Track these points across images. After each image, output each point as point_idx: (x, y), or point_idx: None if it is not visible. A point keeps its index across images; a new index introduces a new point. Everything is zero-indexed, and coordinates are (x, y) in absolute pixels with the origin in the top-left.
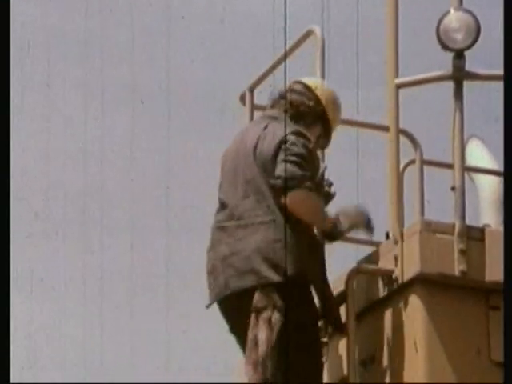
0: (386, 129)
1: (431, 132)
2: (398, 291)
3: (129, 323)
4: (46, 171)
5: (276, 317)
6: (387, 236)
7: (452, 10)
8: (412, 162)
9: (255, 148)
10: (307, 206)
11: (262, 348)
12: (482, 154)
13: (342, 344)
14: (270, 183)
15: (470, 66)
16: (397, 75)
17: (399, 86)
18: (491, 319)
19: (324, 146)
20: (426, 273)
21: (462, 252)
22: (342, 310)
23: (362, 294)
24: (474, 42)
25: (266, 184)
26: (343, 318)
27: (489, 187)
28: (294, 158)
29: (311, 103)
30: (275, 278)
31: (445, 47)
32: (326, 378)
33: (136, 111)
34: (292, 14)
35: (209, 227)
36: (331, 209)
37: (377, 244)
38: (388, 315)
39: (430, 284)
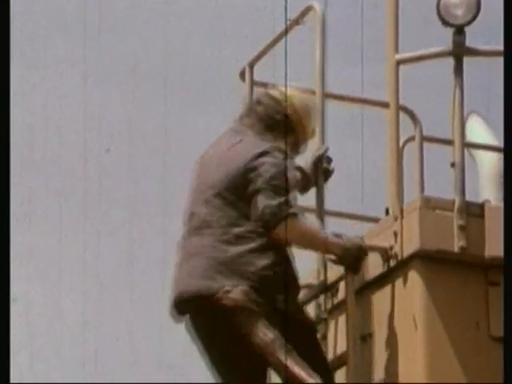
0: (385, 105)
1: (431, 108)
2: (398, 267)
3: (127, 302)
4: (44, 148)
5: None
6: (387, 212)
7: None
8: (412, 138)
9: (226, 163)
10: (297, 233)
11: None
12: (482, 130)
13: (342, 320)
14: (253, 219)
15: (470, 41)
16: (397, 51)
17: (399, 62)
18: (490, 295)
19: (298, 153)
20: (425, 249)
21: (462, 228)
22: (342, 286)
23: (361, 271)
24: (474, 17)
25: (234, 197)
26: (343, 294)
27: (488, 163)
28: (267, 187)
29: (278, 117)
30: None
31: (445, 23)
32: (326, 355)
33: (134, 87)
34: None
35: None
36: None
37: (376, 220)
38: (387, 291)
39: (429, 260)
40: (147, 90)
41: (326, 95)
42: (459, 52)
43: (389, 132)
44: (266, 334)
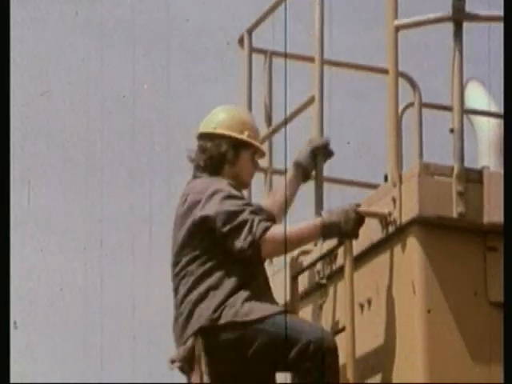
0: (384, 71)
1: (430, 75)
2: (396, 233)
3: (129, 265)
4: (45, 113)
5: None
6: (386, 178)
7: None
8: (411, 104)
9: (182, 221)
10: (280, 242)
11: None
12: (481, 96)
13: (340, 287)
14: (237, 256)
15: (470, 7)
16: (396, 17)
17: (398, 28)
18: (488, 260)
19: (263, 156)
20: (424, 215)
21: (460, 194)
22: (340, 252)
23: (360, 237)
24: None
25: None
26: (342, 260)
27: (487, 129)
28: (227, 232)
29: (216, 150)
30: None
31: None
32: (323, 322)
33: (135, 53)
34: None
35: None
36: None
37: (375, 186)
38: (386, 257)
39: (428, 226)
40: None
41: (325, 62)
42: (459, 17)
43: (388, 98)
44: None
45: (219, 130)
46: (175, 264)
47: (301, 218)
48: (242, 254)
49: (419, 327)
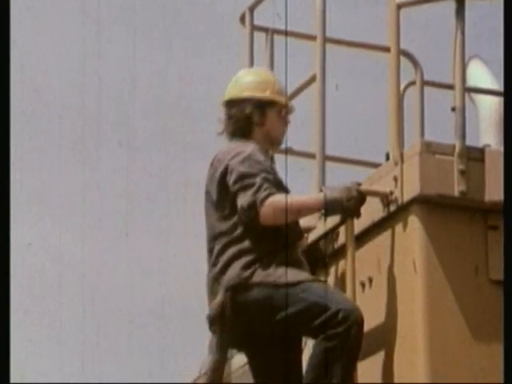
0: (386, 49)
1: (432, 53)
2: (398, 212)
3: (125, 241)
4: (44, 89)
5: None
6: (387, 157)
7: None
8: (412, 83)
9: (213, 174)
10: (280, 210)
11: None
12: (483, 75)
13: (341, 265)
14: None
15: None
16: None
17: (400, 6)
18: (489, 239)
19: (291, 111)
20: (425, 193)
21: (462, 172)
22: (342, 230)
23: (361, 215)
24: None
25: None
26: (343, 239)
27: (489, 107)
28: (238, 189)
29: (242, 114)
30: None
31: None
32: None
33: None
34: None
35: (207, 145)
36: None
37: (377, 165)
38: (387, 236)
39: (429, 205)
40: (148, 33)
41: (327, 40)
42: None
43: (389, 77)
44: None
45: (242, 94)
46: (209, 228)
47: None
48: (241, 214)
49: (420, 305)
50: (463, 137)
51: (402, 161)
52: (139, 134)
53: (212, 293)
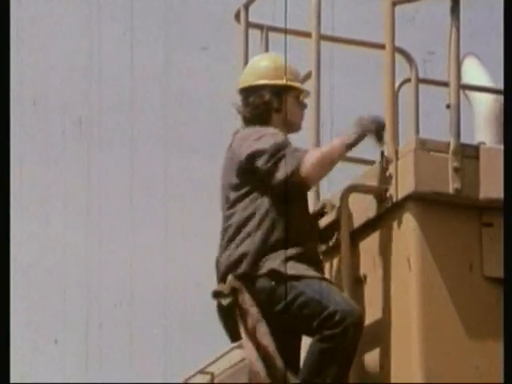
0: (381, 47)
1: (427, 50)
2: (392, 209)
3: (128, 233)
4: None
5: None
6: (382, 155)
7: None
8: (407, 80)
9: (229, 157)
10: (318, 165)
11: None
12: (478, 72)
13: (336, 262)
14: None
15: None
16: None
17: (395, 3)
18: (484, 236)
19: (307, 95)
20: (420, 191)
21: (457, 170)
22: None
23: (356, 213)
24: None
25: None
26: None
27: (484, 105)
28: (274, 162)
29: (260, 100)
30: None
31: None
32: None
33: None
34: None
35: (206, 140)
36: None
37: (372, 163)
38: (382, 233)
39: (424, 202)
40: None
41: (322, 37)
42: None
43: (384, 74)
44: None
45: (258, 81)
46: (224, 208)
47: None
48: (286, 183)
49: (415, 302)
50: (458, 134)
51: (397, 158)
52: (140, 128)
53: (222, 274)
